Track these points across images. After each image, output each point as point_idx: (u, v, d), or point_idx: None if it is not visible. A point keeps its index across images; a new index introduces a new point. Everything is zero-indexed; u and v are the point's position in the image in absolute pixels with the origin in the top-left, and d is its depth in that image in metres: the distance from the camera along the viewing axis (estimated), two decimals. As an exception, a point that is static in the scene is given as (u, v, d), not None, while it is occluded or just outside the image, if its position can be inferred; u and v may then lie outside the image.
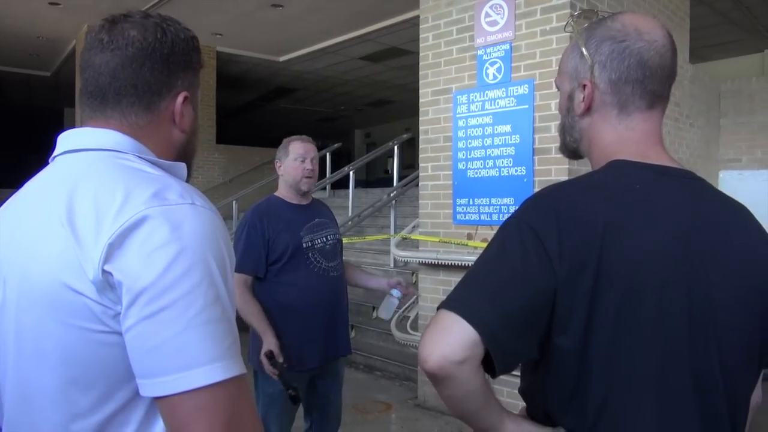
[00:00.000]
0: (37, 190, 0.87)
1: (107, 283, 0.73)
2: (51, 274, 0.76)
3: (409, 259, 4.42)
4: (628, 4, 3.93)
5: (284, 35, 8.74)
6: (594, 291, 0.84)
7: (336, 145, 10.10)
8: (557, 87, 1.06)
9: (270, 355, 2.31)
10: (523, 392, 0.99)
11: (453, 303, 0.85)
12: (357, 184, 8.43)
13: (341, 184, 9.35)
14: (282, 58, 10.02)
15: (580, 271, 0.84)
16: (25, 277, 0.79)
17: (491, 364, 0.84)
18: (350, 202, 7.89)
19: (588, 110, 0.98)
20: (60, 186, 0.81)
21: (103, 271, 0.73)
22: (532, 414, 0.96)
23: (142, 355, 0.73)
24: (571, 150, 1.06)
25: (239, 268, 2.36)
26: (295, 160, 2.51)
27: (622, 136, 0.96)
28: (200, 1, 7.21)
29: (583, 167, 3.56)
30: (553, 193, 0.94)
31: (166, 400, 0.73)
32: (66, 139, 0.90)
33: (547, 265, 0.84)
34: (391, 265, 6.36)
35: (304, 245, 2.46)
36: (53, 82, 11.38)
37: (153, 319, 0.72)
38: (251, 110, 14.25)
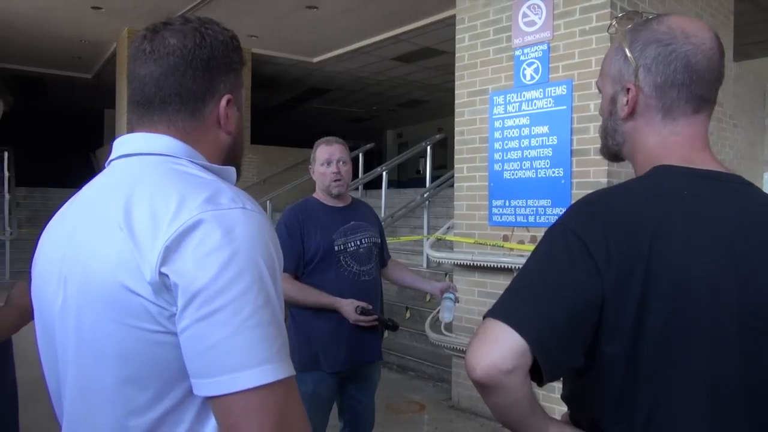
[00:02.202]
0: (95, 194, 0.90)
1: (163, 285, 0.75)
2: (109, 275, 0.78)
3: (443, 260, 4.41)
4: (671, 3, 3.84)
5: (318, 36, 8.81)
6: (642, 298, 0.83)
7: (369, 146, 10.12)
8: (599, 89, 1.04)
9: (361, 311, 2.39)
10: (567, 399, 0.99)
11: (500, 312, 0.85)
12: (389, 185, 8.43)
13: (373, 184, 9.36)
14: (316, 59, 10.10)
15: (627, 278, 0.83)
16: (86, 278, 0.81)
17: (537, 372, 0.84)
18: (383, 202, 7.90)
19: (631, 114, 0.97)
20: (117, 190, 0.84)
21: (160, 273, 0.75)
22: (577, 420, 0.95)
23: (196, 355, 0.75)
24: (613, 153, 1.04)
25: (284, 268, 2.37)
26: (321, 165, 2.53)
27: (667, 141, 0.95)
28: (236, 4, 7.31)
29: (623, 168, 3.50)
30: (598, 199, 0.93)
31: (218, 400, 0.74)
32: (121, 144, 0.92)
33: (594, 272, 0.83)
34: (425, 265, 6.35)
35: (336, 248, 2.45)
36: (94, 83, 11.69)
37: (206, 321, 0.74)
38: (285, 111, 14.40)
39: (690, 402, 0.85)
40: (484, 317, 0.87)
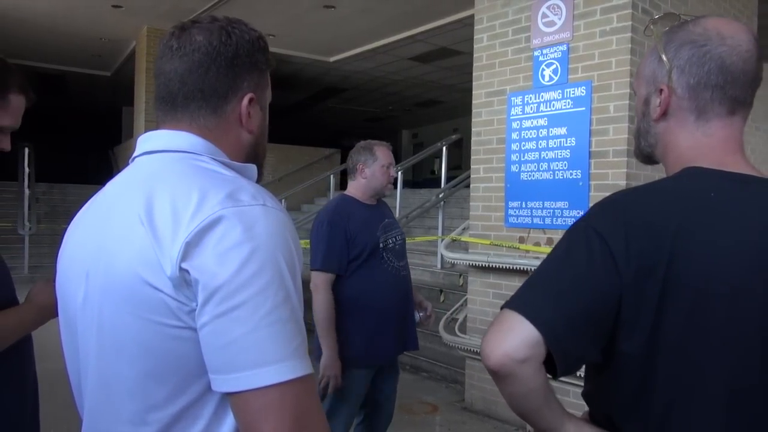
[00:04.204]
0: (118, 190, 0.91)
1: (184, 280, 0.76)
2: (131, 270, 0.78)
3: (458, 261, 4.39)
4: (693, 4, 3.80)
5: (335, 36, 8.82)
6: (661, 297, 0.83)
7: (385, 146, 10.11)
8: (634, 92, 1.05)
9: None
10: (586, 395, 1.00)
11: (516, 303, 0.88)
12: (403, 185, 8.42)
13: (388, 184, 9.34)
14: (332, 59, 10.11)
15: (647, 277, 0.84)
16: (108, 273, 0.82)
17: (553, 365, 0.85)
18: (398, 202, 7.89)
19: (664, 115, 0.97)
20: (139, 186, 0.85)
21: (181, 269, 0.75)
22: (594, 418, 0.96)
23: (215, 351, 0.75)
24: (646, 155, 1.04)
25: (326, 267, 2.41)
26: (383, 167, 2.60)
27: (699, 143, 0.94)
28: (254, 2, 7.34)
29: (642, 171, 3.46)
30: (622, 197, 0.94)
31: (236, 396, 0.75)
32: (145, 141, 0.93)
33: (613, 269, 0.84)
34: (439, 266, 6.34)
35: (381, 245, 2.52)
36: (113, 81, 11.81)
37: (226, 317, 0.74)
38: (301, 110, 14.43)
39: (707, 406, 0.85)
40: (502, 308, 0.89)
